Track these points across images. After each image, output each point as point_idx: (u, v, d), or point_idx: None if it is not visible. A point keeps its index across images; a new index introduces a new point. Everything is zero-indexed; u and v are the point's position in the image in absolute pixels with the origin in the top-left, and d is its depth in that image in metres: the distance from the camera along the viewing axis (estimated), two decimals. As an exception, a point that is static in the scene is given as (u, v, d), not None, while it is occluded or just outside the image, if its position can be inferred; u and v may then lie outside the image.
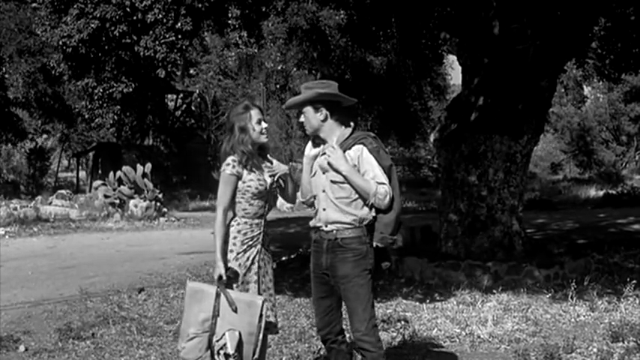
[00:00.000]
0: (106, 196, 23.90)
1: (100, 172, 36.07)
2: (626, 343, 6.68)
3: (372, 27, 12.61)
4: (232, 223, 4.98)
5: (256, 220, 5.02)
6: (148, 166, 24.27)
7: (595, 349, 6.56)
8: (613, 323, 7.28)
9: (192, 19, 9.15)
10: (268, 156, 5.15)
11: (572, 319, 7.79)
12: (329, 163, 4.90)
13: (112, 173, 24.57)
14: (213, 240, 4.88)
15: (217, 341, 4.71)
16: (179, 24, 9.03)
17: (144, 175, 23.85)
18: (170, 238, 18.02)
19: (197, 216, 24.74)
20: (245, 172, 4.95)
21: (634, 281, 8.55)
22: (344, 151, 4.90)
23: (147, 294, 9.92)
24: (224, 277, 4.79)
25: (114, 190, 23.85)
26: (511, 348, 6.76)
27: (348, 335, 5.31)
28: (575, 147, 42.82)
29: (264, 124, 5.02)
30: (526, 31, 10.35)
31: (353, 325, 4.93)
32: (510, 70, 10.43)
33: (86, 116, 11.56)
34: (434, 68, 21.93)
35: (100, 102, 9.93)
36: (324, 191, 4.97)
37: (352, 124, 5.08)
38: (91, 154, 40.18)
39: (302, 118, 5.05)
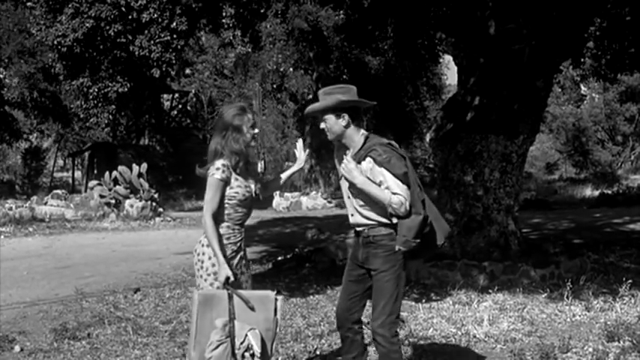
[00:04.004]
0: (101, 196, 23.87)
1: (95, 172, 36.03)
2: (621, 342, 6.68)
3: (369, 26, 12.61)
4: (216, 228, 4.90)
5: (237, 227, 4.96)
6: (144, 166, 24.24)
7: (590, 349, 6.56)
8: (609, 323, 7.29)
9: (187, 19, 9.14)
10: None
11: (568, 319, 7.80)
12: (344, 176, 5.00)
13: (107, 173, 24.53)
14: (210, 245, 4.79)
15: (241, 343, 4.62)
16: (174, 23, 9.02)
17: (139, 175, 23.83)
18: (166, 238, 17.99)
19: (193, 216, 24.70)
20: (233, 177, 4.87)
21: (629, 281, 8.56)
22: (358, 162, 4.95)
23: (143, 294, 9.91)
24: (232, 278, 4.74)
25: (109, 190, 23.82)
26: (507, 348, 6.76)
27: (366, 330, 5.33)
28: (570, 147, 42.89)
29: (256, 130, 5.00)
30: (522, 31, 10.36)
31: (372, 316, 5.04)
32: (506, 70, 10.43)
33: (81, 116, 11.52)
34: (430, 68, 22.00)
35: (95, 102, 9.90)
36: (349, 197, 5.11)
37: (364, 130, 5.11)
38: (86, 153, 40.13)
39: (323, 125, 5.06)
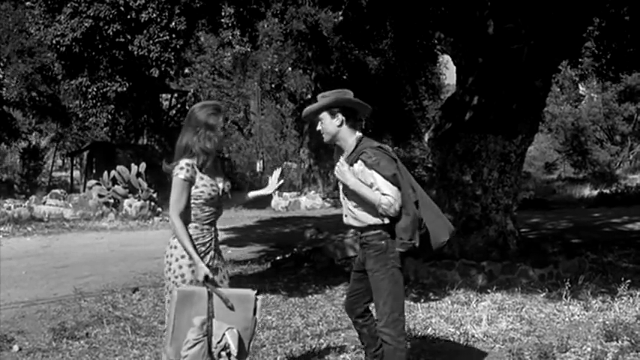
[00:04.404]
0: (100, 196, 23.86)
1: (94, 171, 36.00)
2: (620, 342, 6.69)
3: (367, 26, 12.62)
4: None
5: (206, 226, 4.90)
6: (143, 165, 24.23)
7: (589, 349, 6.56)
8: (607, 322, 7.29)
9: (186, 19, 9.14)
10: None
11: (567, 319, 7.80)
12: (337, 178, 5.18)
13: (106, 173, 24.53)
14: (182, 245, 4.74)
15: (218, 343, 4.60)
16: (173, 23, 9.02)
17: (138, 174, 23.83)
18: (164, 238, 17.74)
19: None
20: (198, 176, 4.82)
21: (628, 280, 8.56)
22: (350, 164, 5.07)
23: (141, 294, 9.91)
24: (210, 276, 4.71)
25: (108, 189, 23.82)
26: (505, 347, 6.76)
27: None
28: (569, 146, 42.90)
29: (224, 134, 4.98)
30: (520, 31, 10.36)
31: (376, 317, 5.17)
32: (505, 69, 10.44)
33: (80, 115, 11.53)
34: (429, 68, 22.00)
35: (94, 101, 9.90)
36: (344, 198, 5.25)
37: (359, 133, 5.21)
38: (85, 153, 40.11)
39: (319, 126, 5.18)
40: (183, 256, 4.80)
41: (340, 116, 5.10)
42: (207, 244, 4.90)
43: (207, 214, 4.89)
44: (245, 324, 4.68)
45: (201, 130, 4.83)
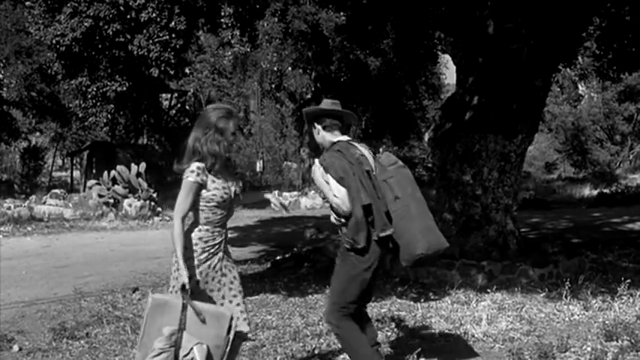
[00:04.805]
0: (100, 196, 23.87)
1: (94, 171, 36.01)
2: (619, 342, 6.69)
3: (369, 27, 12.60)
4: (194, 230, 4.87)
5: (218, 228, 4.90)
6: (143, 165, 24.23)
7: (589, 348, 6.56)
8: (607, 322, 7.29)
9: (186, 18, 9.13)
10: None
11: (567, 318, 7.80)
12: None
13: (106, 172, 24.54)
14: (174, 248, 4.74)
15: (185, 356, 4.54)
16: (173, 23, 9.01)
17: (138, 174, 23.83)
18: (164, 238, 17.94)
19: (191, 215, 24.69)
20: (209, 179, 4.81)
21: (628, 280, 8.55)
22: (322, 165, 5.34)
23: (141, 293, 9.91)
24: (187, 287, 4.64)
25: (108, 189, 23.82)
26: (505, 347, 6.76)
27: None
28: (569, 146, 42.89)
29: (237, 141, 4.98)
30: (520, 31, 10.36)
31: None
32: (505, 69, 10.44)
33: (80, 115, 11.52)
34: (429, 67, 21.96)
35: (94, 101, 9.89)
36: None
37: (340, 137, 5.44)
38: (85, 153, 40.10)
39: None
40: (190, 258, 4.80)
41: (317, 126, 5.46)
42: (217, 246, 4.90)
43: (219, 216, 4.90)
44: (217, 342, 4.60)
45: (210, 132, 4.81)
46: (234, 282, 4.99)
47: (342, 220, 5.23)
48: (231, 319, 4.66)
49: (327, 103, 5.51)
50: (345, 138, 5.42)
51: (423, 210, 5.30)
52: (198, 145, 4.81)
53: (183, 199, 4.78)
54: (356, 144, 5.42)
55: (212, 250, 4.87)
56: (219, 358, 4.62)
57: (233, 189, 4.95)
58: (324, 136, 5.46)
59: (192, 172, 4.76)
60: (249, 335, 5.23)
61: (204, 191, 4.80)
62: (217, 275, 4.90)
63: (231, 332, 4.64)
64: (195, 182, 4.75)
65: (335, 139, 5.40)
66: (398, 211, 5.20)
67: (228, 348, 4.64)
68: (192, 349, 4.54)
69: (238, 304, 4.96)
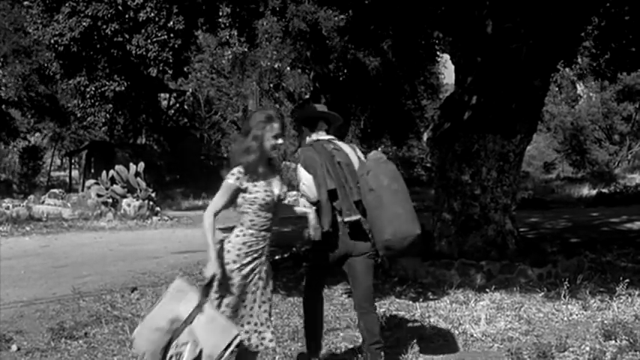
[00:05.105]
0: (98, 195, 23.85)
1: (92, 171, 36.01)
2: (618, 341, 6.69)
3: (371, 27, 12.60)
4: (238, 233, 4.91)
5: (262, 233, 4.94)
6: (141, 165, 24.23)
7: (587, 348, 6.56)
8: (605, 322, 7.29)
9: (184, 18, 9.14)
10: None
11: (565, 318, 7.80)
12: None
13: (104, 172, 24.52)
14: (205, 239, 4.80)
15: (177, 346, 4.59)
16: (171, 22, 9.02)
17: (137, 174, 23.82)
18: (163, 238, 17.99)
19: (190, 215, 24.70)
20: (250, 184, 4.86)
21: (627, 280, 8.55)
22: None
23: (140, 293, 9.90)
24: (218, 276, 4.72)
25: (106, 189, 23.81)
26: (504, 347, 6.76)
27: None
28: (568, 146, 42.92)
29: (279, 141, 4.98)
30: (519, 30, 10.36)
31: None
32: (503, 69, 10.44)
33: (78, 115, 11.54)
34: (427, 67, 21.98)
35: (92, 100, 9.90)
36: None
37: (322, 134, 5.90)
38: (83, 153, 40.09)
39: None
40: (234, 261, 4.86)
41: (305, 128, 5.97)
42: (260, 251, 4.95)
43: (263, 220, 4.93)
44: (212, 351, 4.59)
45: (248, 139, 4.90)
46: (267, 288, 5.05)
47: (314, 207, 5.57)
48: (235, 337, 4.65)
49: (314, 107, 6.12)
50: (328, 137, 5.85)
51: (395, 199, 5.47)
52: (239, 150, 4.92)
53: (218, 198, 4.89)
54: (338, 142, 5.82)
55: (255, 255, 4.92)
56: None
57: (276, 192, 4.98)
58: (310, 136, 5.89)
59: (233, 174, 4.86)
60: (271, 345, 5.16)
61: (246, 194, 4.87)
62: (255, 279, 4.95)
63: (229, 349, 4.62)
64: (232, 184, 4.85)
65: (313, 137, 5.87)
66: (371, 202, 5.47)
67: None
68: (185, 343, 4.57)
69: (265, 311, 5.02)
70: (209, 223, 4.81)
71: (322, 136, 5.85)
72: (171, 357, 4.60)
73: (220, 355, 4.60)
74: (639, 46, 13.28)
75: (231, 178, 4.84)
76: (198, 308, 4.65)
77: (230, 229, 4.99)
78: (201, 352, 4.57)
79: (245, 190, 4.86)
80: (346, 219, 5.48)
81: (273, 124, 4.93)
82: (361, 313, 5.69)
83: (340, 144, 5.79)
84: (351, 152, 5.75)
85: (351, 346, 6.72)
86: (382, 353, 5.62)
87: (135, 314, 8.50)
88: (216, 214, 4.86)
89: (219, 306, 4.80)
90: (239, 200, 4.91)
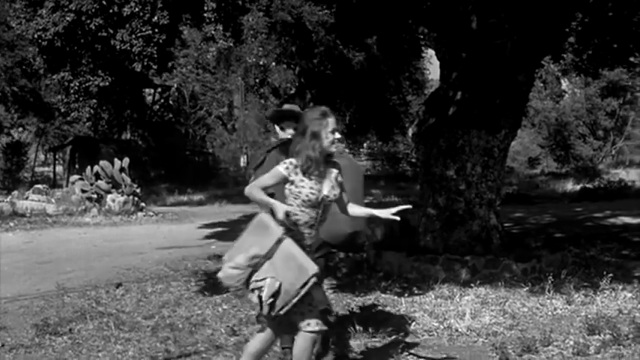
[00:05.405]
0: (83, 191, 23.73)
1: (77, 166, 35.81)
2: (602, 335, 6.73)
3: (356, 22, 12.58)
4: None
5: (307, 230, 4.93)
6: (126, 160, 24.12)
7: (571, 342, 6.60)
8: (589, 316, 7.34)
9: (168, 13, 9.10)
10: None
11: (549, 313, 7.84)
12: None
13: (89, 168, 24.39)
14: (259, 200, 4.81)
15: (257, 281, 4.67)
16: (156, 17, 8.98)
17: (121, 169, 23.71)
18: (148, 233, 17.94)
19: (175, 210, 24.65)
20: (298, 177, 4.86)
21: (610, 275, 8.60)
22: None
23: (125, 289, 9.87)
24: (291, 213, 4.75)
25: (91, 184, 23.69)
26: (489, 341, 6.79)
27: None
28: (552, 141, 43.02)
29: (337, 135, 4.98)
30: (504, 26, 10.38)
31: None
32: (488, 64, 10.46)
33: (62, 110, 11.49)
34: (412, 63, 21.99)
35: (77, 96, 9.86)
36: None
37: (283, 135, 6.28)
38: (68, 148, 39.87)
39: None
40: None
41: (276, 126, 6.42)
42: (307, 249, 4.91)
43: (307, 216, 4.91)
44: (289, 288, 4.65)
45: (306, 137, 4.90)
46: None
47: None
48: (310, 278, 4.67)
49: (285, 107, 6.40)
50: (291, 135, 6.00)
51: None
52: (299, 148, 4.91)
53: (265, 178, 4.95)
54: None
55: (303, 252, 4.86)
56: (284, 303, 4.67)
57: (325, 192, 4.95)
58: (280, 134, 6.28)
59: (284, 163, 4.90)
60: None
61: (292, 186, 4.88)
62: None
63: (305, 288, 4.66)
64: (281, 172, 4.87)
65: (285, 137, 6.14)
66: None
67: (296, 299, 4.67)
68: (265, 278, 4.66)
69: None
70: (256, 193, 4.83)
71: (290, 134, 6.04)
72: (252, 290, 4.69)
73: (296, 292, 4.65)
74: (621, 43, 13.35)
75: (282, 167, 4.87)
76: (278, 243, 4.69)
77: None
78: (280, 285, 4.64)
79: (292, 183, 4.87)
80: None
81: (329, 119, 4.95)
82: None
83: None
84: None
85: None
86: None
87: (120, 310, 8.49)
88: (256, 189, 4.87)
89: None
90: (285, 192, 4.93)
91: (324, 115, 4.96)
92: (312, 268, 4.70)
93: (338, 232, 5.86)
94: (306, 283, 4.66)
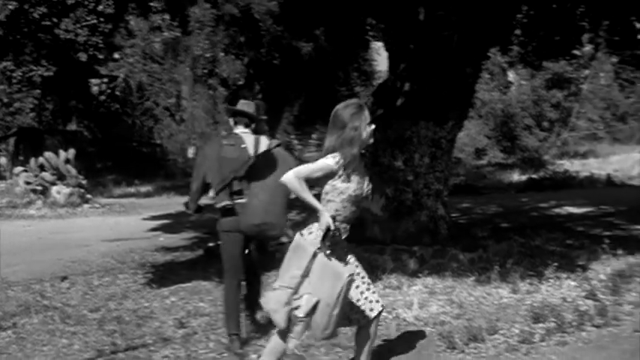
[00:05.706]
0: (27, 183, 23.31)
1: (21, 158, 35.16)
2: (546, 323, 6.83)
3: (305, 14, 12.56)
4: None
5: (344, 224, 4.91)
6: (71, 151, 23.74)
7: (517, 330, 6.69)
8: (534, 305, 7.44)
9: (114, 2, 8.98)
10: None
11: (495, 301, 7.92)
12: None
13: (33, 159, 23.95)
14: (304, 199, 4.76)
15: (295, 300, 4.69)
16: (101, 6, 8.86)
17: (67, 161, 23.34)
18: (94, 225, 17.71)
19: (122, 202, 24.35)
20: (344, 174, 4.84)
21: (555, 264, 8.74)
22: None
23: (70, 282, 9.74)
24: (332, 226, 4.68)
25: (35, 176, 23.27)
26: (436, 330, 6.85)
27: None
28: (499, 132, 43.49)
29: (373, 126, 5.01)
30: (451, 18, 10.46)
31: None
32: (436, 56, 10.54)
33: (5, 100, 11.26)
34: (360, 54, 22.08)
35: (20, 86, 9.68)
36: None
37: (240, 128, 6.53)
38: (11, 139, 39.12)
39: None
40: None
41: (231, 121, 6.66)
42: (345, 248, 4.91)
43: (349, 212, 4.91)
44: (329, 300, 4.63)
45: (345, 131, 4.85)
46: (360, 271, 5.17)
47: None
48: (346, 282, 4.66)
49: (240, 104, 6.59)
50: (240, 130, 6.45)
51: (260, 190, 6.15)
52: (336, 144, 4.85)
53: (309, 168, 4.82)
54: (242, 135, 6.40)
55: (334, 248, 4.79)
56: (327, 315, 4.64)
57: (365, 187, 4.98)
58: (233, 128, 6.55)
59: (334, 157, 4.82)
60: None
61: (339, 182, 4.83)
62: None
63: (342, 293, 4.64)
64: (331, 166, 4.81)
65: (234, 133, 6.47)
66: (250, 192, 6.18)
67: (337, 310, 4.64)
68: (302, 296, 4.67)
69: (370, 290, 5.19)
70: (298, 185, 4.72)
71: (239, 129, 6.48)
72: (291, 309, 4.70)
73: (336, 302, 4.63)
74: (564, 35, 13.55)
75: (332, 161, 4.80)
76: (313, 259, 4.69)
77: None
78: (317, 303, 4.64)
79: (339, 178, 4.83)
80: (218, 205, 6.36)
81: (365, 112, 4.97)
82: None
83: (245, 138, 6.37)
84: (251, 145, 6.33)
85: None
86: None
87: (65, 303, 8.37)
88: (300, 180, 4.74)
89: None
90: (327, 187, 4.86)
91: (360, 107, 4.98)
92: (347, 272, 4.74)
93: (248, 223, 6.24)
94: (342, 289, 4.65)
